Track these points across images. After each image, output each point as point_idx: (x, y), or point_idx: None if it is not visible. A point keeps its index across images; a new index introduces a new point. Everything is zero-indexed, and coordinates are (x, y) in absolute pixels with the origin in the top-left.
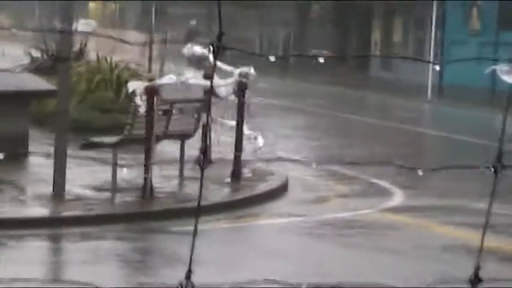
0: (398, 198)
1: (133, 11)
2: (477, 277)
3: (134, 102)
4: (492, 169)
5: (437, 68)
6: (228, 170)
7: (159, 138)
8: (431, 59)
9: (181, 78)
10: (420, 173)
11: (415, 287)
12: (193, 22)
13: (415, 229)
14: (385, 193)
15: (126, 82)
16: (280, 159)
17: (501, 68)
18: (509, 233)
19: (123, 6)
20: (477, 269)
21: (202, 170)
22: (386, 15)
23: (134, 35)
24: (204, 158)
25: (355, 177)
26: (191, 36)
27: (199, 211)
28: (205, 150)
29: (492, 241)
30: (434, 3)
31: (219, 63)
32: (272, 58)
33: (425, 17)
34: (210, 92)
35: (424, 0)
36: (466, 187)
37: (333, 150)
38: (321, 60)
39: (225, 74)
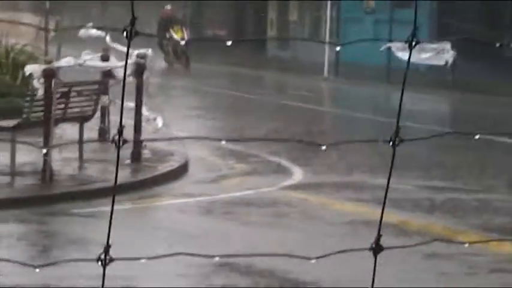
0: (298, 175)
1: None
2: (378, 245)
3: (32, 85)
4: (390, 143)
5: (337, 48)
6: (128, 151)
7: (57, 121)
8: (327, 37)
9: (78, 61)
10: (324, 147)
11: (317, 257)
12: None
13: (315, 206)
14: (285, 171)
15: (23, 65)
16: (187, 138)
17: (396, 45)
18: (403, 206)
19: None
20: (378, 237)
21: (118, 150)
22: None
23: (29, 18)
24: (119, 138)
25: (255, 155)
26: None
27: (115, 190)
28: (121, 130)
29: (391, 216)
30: None
31: (116, 45)
32: (183, 42)
33: None
34: (108, 73)
35: None
36: (364, 163)
37: (232, 130)
38: (229, 43)
39: (123, 56)
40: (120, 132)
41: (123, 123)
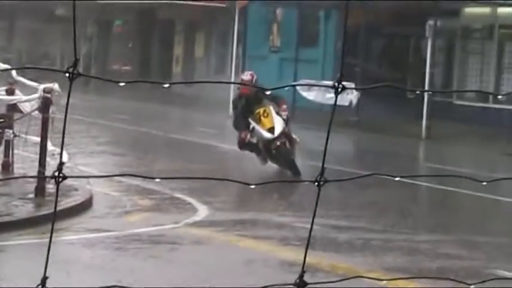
0: (202, 212)
1: None
2: (302, 280)
3: None
4: (316, 183)
5: (268, 92)
6: (32, 185)
7: None
8: (233, 75)
9: None
10: (252, 186)
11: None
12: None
13: (218, 243)
14: (189, 208)
15: None
16: (125, 175)
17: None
18: (312, 245)
19: None
20: (302, 273)
21: (57, 185)
22: (188, 31)
23: None
24: (59, 174)
25: (160, 192)
26: None
27: (54, 219)
28: (61, 166)
29: (292, 254)
30: (236, 19)
31: (23, 79)
32: (122, 84)
33: (227, 33)
34: (13, 107)
35: (225, 13)
36: (269, 201)
37: (138, 166)
38: (166, 86)
39: (30, 90)
40: (60, 168)
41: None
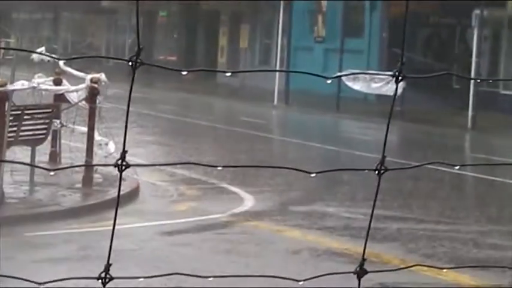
0: (248, 202)
1: None
2: (362, 268)
3: None
4: (376, 172)
5: (329, 81)
6: (79, 176)
7: (9, 144)
8: (278, 65)
9: (32, 84)
10: (313, 175)
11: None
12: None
13: (265, 233)
14: (235, 198)
15: None
16: (177, 164)
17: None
18: (357, 235)
19: None
20: (362, 261)
21: (121, 173)
22: (232, 22)
23: None
24: (122, 162)
25: (206, 181)
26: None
27: (117, 208)
28: (124, 154)
29: (347, 244)
30: (281, 11)
31: (70, 69)
32: (184, 72)
33: (271, 24)
34: (61, 97)
35: (270, 5)
36: (314, 191)
37: (184, 156)
38: (228, 74)
39: (77, 80)
40: (123, 157)
41: (74, 146)
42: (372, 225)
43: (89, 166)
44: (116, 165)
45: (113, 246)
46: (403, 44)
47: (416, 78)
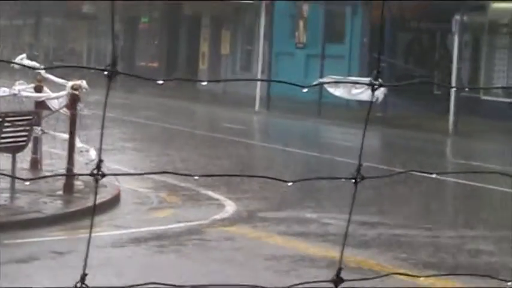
0: (230, 208)
1: None
2: (339, 277)
3: None
4: (353, 180)
5: (304, 90)
6: (60, 183)
7: None
8: (259, 71)
9: (13, 91)
10: (289, 184)
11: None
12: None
13: (246, 240)
14: (217, 204)
15: None
16: (159, 173)
17: (327, 81)
18: (337, 241)
19: None
20: (339, 269)
21: (97, 182)
22: (214, 27)
23: None
24: (98, 171)
25: (187, 188)
26: None
27: (93, 216)
28: (99, 163)
29: (329, 251)
30: (262, 13)
31: (51, 76)
32: (160, 82)
33: (252, 29)
34: (42, 104)
35: (252, 6)
36: (294, 197)
37: (166, 162)
38: (204, 83)
39: (58, 87)
40: (99, 166)
41: (55, 153)
42: (352, 231)
43: (69, 181)
44: (92, 174)
45: (90, 254)
46: (379, 53)
47: (393, 86)
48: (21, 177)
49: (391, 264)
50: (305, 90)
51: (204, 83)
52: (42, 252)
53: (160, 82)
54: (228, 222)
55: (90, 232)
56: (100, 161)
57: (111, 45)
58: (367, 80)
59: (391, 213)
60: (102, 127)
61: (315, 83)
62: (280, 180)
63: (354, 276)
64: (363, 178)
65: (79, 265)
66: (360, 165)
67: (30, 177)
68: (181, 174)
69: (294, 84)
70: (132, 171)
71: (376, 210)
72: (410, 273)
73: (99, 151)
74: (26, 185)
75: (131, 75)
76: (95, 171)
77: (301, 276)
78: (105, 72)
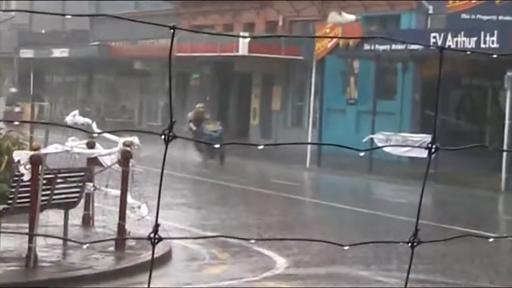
0: (281, 265)
1: (10, 79)
2: (416, 238)
3: (18, 171)
4: (409, 244)
5: (361, 154)
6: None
7: (42, 208)
8: (310, 127)
9: (65, 148)
10: (346, 248)
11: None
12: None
13: None
14: (268, 261)
15: (8, 151)
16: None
17: (378, 137)
18: None
19: None
20: (416, 231)
21: (153, 246)
22: (264, 84)
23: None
24: (155, 235)
25: (238, 244)
26: None
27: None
28: (156, 228)
29: None
30: (313, 71)
31: (103, 133)
32: (217, 146)
33: (303, 85)
34: (94, 160)
35: (302, 65)
36: (346, 255)
37: (215, 219)
38: (260, 147)
39: (110, 143)
40: (156, 230)
41: (107, 210)
42: None
43: (121, 237)
44: (149, 238)
45: None
46: (435, 116)
47: (450, 149)
48: (74, 239)
49: None
50: (362, 154)
51: (260, 147)
52: None
53: (217, 146)
54: (279, 279)
55: (150, 273)
56: (157, 225)
57: (169, 107)
58: (423, 139)
59: (447, 270)
60: (159, 195)
61: (366, 140)
62: (336, 244)
63: None
64: (419, 242)
65: None
66: (416, 230)
67: (82, 234)
68: (237, 238)
69: (350, 148)
70: (184, 228)
71: (433, 268)
72: None
73: (156, 216)
74: (84, 247)
75: (187, 139)
76: (152, 235)
77: None
78: (162, 136)
